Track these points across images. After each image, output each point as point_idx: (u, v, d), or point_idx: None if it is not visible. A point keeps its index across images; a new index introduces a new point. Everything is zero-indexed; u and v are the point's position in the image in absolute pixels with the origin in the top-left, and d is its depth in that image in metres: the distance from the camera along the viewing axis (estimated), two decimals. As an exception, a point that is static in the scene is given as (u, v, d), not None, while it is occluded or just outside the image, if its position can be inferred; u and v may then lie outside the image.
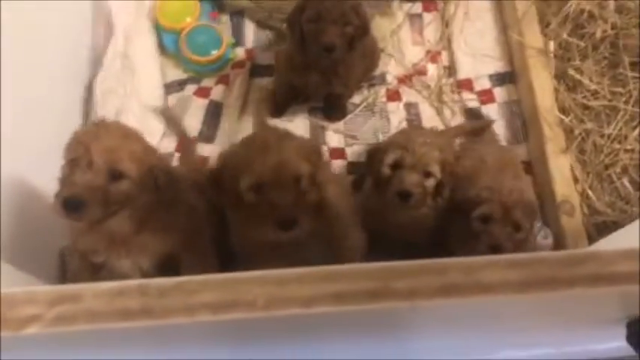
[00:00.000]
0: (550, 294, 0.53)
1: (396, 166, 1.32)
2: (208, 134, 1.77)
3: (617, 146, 1.73)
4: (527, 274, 0.54)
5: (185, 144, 1.70)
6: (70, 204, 1.04)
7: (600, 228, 1.65)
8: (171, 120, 1.74)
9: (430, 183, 1.33)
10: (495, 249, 1.29)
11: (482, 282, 0.54)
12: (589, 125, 1.73)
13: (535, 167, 1.75)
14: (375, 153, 1.39)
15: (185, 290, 0.53)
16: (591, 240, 1.58)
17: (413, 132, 1.38)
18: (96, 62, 1.76)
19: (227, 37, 1.86)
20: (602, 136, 1.73)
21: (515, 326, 0.86)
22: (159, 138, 1.76)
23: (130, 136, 1.12)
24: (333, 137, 1.80)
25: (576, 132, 1.74)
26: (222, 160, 1.18)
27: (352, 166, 1.75)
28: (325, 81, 1.62)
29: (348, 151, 1.79)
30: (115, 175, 1.07)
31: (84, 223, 1.13)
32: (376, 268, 0.55)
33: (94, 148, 1.05)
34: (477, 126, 1.80)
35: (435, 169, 1.32)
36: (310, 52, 1.51)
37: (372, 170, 1.38)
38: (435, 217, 1.44)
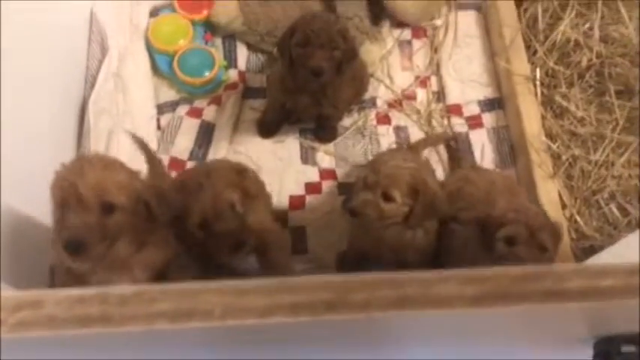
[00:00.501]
0: (504, 309, 0.54)
1: (365, 184, 1.33)
2: (200, 154, 1.78)
3: (605, 172, 1.74)
4: (481, 289, 0.55)
5: (153, 165, 1.70)
6: (72, 246, 1.04)
7: (588, 253, 1.66)
8: (140, 143, 1.73)
9: (391, 207, 1.32)
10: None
11: (437, 295, 0.54)
12: (576, 151, 1.75)
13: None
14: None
15: (144, 299, 0.54)
16: (579, 264, 1.59)
17: (395, 154, 1.39)
18: (90, 82, 1.78)
19: (220, 60, 1.89)
20: (589, 162, 1.75)
21: (480, 342, 0.86)
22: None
23: (112, 166, 1.12)
24: (324, 158, 1.82)
25: (564, 158, 1.75)
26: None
27: (343, 187, 1.77)
28: (315, 103, 1.65)
29: (339, 172, 1.81)
30: (107, 208, 1.07)
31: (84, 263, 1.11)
32: (334, 280, 0.56)
33: (81, 185, 1.05)
34: (439, 138, 1.83)
35: (396, 194, 1.31)
36: (299, 76, 1.54)
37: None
38: (428, 240, 1.44)
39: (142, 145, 1.67)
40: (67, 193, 1.05)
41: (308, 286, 0.54)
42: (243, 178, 1.38)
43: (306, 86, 1.59)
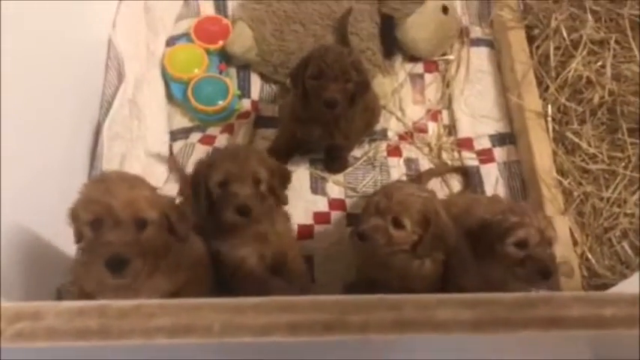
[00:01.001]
0: (502, 335, 0.53)
1: (375, 210, 1.33)
2: (210, 181, 1.79)
3: (617, 210, 1.72)
4: (480, 314, 0.54)
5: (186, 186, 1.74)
6: (115, 264, 1.05)
7: (600, 291, 1.63)
8: (175, 167, 1.78)
9: (400, 234, 1.32)
10: (545, 274, 1.26)
11: (435, 319, 0.54)
12: (588, 188, 1.74)
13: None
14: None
15: (143, 313, 0.54)
16: (590, 303, 1.56)
17: (408, 185, 1.40)
18: (105, 108, 1.81)
19: (233, 89, 1.92)
20: (601, 199, 1.73)
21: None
22: (162, 183, 1.80)
23: (138, 183, 1.15)
24: (334, 189, 1.83)
25: (575, 194, 1.74)
26: (197, 165, 1.37)
27: (351, 218, 1.76)
28: (327, 133, 1.67)
29: (348, 202, 1.81)
30: (140, 225, 1.10)
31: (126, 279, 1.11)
32: (332, 301, 0.55)
33: (115, 204, 1.06)
34: (445, 170, 1.84)
35: (407, 222, 1.31)
36: (313, 107, 1.56)
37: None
38: (435, 270, 1.44)
39: (177, 167, 1.75)
40: (100, 212, 1.07)
41: (306, 306, 0.54)
42: (281, 177, 1.40)
43: (319, 117, 1.60)
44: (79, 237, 1.13)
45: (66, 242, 1.60)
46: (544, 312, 0.54)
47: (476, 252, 1.34)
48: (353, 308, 0.55)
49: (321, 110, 1.53)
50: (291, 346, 0.53)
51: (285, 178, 1.43)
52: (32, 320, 0.54)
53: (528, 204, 1.72)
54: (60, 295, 1.54)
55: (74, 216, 1.12)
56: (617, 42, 1.89)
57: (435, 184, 1.82)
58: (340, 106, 1.52)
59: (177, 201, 1.71)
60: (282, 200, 1.41)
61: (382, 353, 0.62)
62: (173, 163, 1.80)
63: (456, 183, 1.85)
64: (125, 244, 1.05)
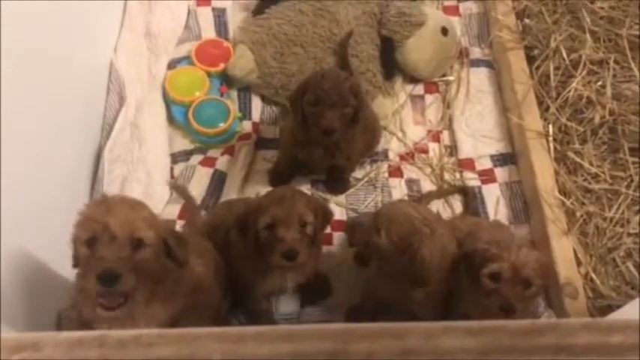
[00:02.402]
0: (509, 363, 0.53)
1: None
2: (210, 202, 1.79)
3: (620, 230, 1.71)
4: (486, 342, 0.53)
5: (191, 212, 1.75)
6: (106, 278, 1.05)
7: (605, 312, 1.61)
8: (181, 191, 1.79)
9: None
10: (506, 310, 1.26)
11: (441, 348, 0.53)
12: (590, 208, 1.73)
13: (537, 248, 1.74)
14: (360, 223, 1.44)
15: (143, 343, 0.53)
16: (595, 324, 1.54)
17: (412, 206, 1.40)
18: (106, 131, 1.82)
19: (234, 111, 1.93)
20: (604, 219, 1.72)
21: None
22: (163, 205, 1.80)
23: (137, 205, 1.15)
24: (335, 210, 1.82)
25: (578, 214, 1.73)
26: (247, 207, 1.39)
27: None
28: (328, 154, 1.67)
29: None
30: (136, 245, 1.10)
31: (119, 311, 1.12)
32: (335, 329, 0.55)
33: (112, 222, 1.07)
34: (447, 191, 1.84)
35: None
36: (312, 133, 1.57)
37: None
38: (443, 294, 1.44)
39: (182, 191, 1.76)
40: (97, 230, 1.07)
41: (309, 335, 0.53)
42: (324, 217, 1.42)
43: (318, 141, 1.60)
44: (76, 259, 1.13)
45: (67, 267, 1.60)
46: (550, 339, 0.53)
47: (467, 277, 1.34)
48: (357, 337, 0.54)
49: (320, 137, 1.54)
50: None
51: (327, 219, 1.45)
52: (32, 351, 0.53)
53: (525, 238, 1.72)
54: (60, 321, 1.52)
55: (73, 237, 1.12)
56: (616, 62, 1.90)
57: (437, 205, 1.82)
58: (338, 134, 1.53)
59: (178, 225, 1.72)
60: (318, 240, 1.44)
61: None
62: (176, 186, 1.80)
63: (458, 204, 1.84)
64: (119, 260, 1.06)
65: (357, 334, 0.54)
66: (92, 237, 1.08)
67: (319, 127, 1.51)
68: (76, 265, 1.14)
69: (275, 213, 1.31)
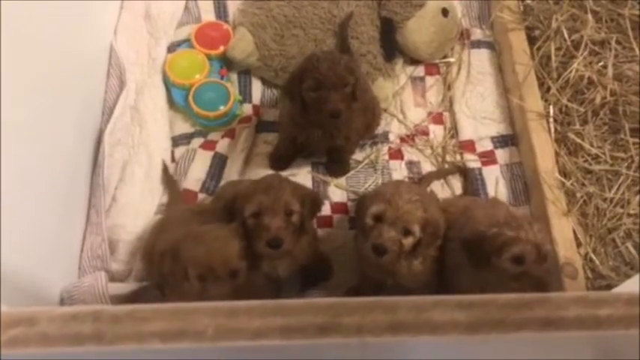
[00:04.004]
0: (498, 336, 0.53)
1: (378, 219, 1.33)
2: (211, 185, 1.80)
3: (620, 210, 1.71)
4: (476, 316, 0.54)
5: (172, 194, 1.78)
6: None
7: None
8: (169, 182, 1.80)
9: (408, 241, 1.33)
10: (542, 289, 1.26)
11: (431, 321, 0.54)
12: (591, 189, 1.73)
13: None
14: (362, 201, 1.41)
15: (137, 318, 0.54)
16: (594, 304, 1.55)
17: (401, 186, 1.39)
18: (107, 115, 1.82)
19: (235, 94, 1.93)
20: (604, 200, 1.72)
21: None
22: (164, 188, 1.80)
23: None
24: (336, 192, 1.82)
25: (578, 195, 1.73)
26: (235, 194, 1.40)
27: (354, 221, 1.76)
28: (327, 135, 1.67)
29: (350, 205, 1.80)
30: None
31: None
32: (326, 304, 0.55)
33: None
34: (446, 172, 1.84)
35: (415, 229, 1.32)
36: (315, 117, 1.56)
37: (358, 219, 1.39)
38: (431, 270, 1.44)
39: (167, 174, 1.77)
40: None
41: (300, 309, 0.54)
42: (312, 204, 1.42)
43: (318, 122, 1.60)
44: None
45: (69, 246, 1.62)
46: (540, 313, 0.53)
47: (472, 261, 1.34)
48: (347, 310, 0.54)
49: (325, 121, 1.55)
50: (286, 349, 0.53)
51: (315, 206, 1.45)
52: (27, 326, 0.54)
53: (525, 213, 1.72)
54: (62, 303, 1.54)
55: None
56: (618, 42, 1.88)
57: (436, 187, 1.82)
58: (345, 114, 1.53)
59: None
60: (307, 230, 1.44)
61: (377, 356, 0.61)
62: (167, 177, 1.80)
63: (458, 185, 1.84)
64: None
65: (347, 307, 0.55)
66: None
67: (325, 111, 1.51)
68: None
69: (261, 201, 1.32)
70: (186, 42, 2.02)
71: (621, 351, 0.62)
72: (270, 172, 1.81)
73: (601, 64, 1.86)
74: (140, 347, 0.53)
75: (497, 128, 1.93)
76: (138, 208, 1.74)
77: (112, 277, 1.63)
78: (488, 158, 1.88)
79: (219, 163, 1.83)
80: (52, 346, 0.53)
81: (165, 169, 1.80)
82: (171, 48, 2.03)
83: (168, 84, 1.94)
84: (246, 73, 2.01)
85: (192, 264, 1.24)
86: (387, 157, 1.88)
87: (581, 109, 1.82)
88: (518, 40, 1.96)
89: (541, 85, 1.89)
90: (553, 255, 1.62)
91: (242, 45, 1.94)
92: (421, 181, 1.79)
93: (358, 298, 0.56)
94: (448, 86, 2.01)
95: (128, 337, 0.54)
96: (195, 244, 1.26)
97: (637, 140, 1.76)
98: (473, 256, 1.33)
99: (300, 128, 1.67)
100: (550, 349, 0.63)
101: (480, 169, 1.86)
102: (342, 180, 1.84)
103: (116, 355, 0.54)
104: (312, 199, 1.43)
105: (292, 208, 1.34)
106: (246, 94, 1.98)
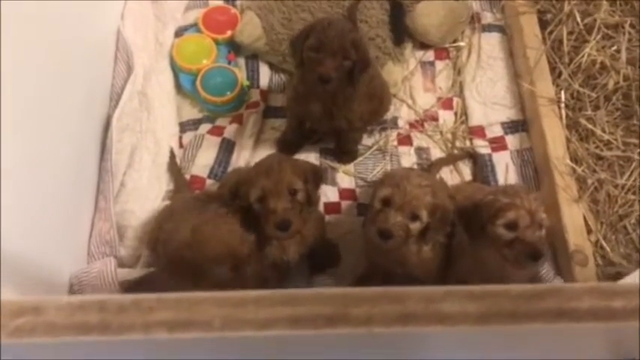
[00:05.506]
0: (510, 327, 0.52)
1: (386, 203, 1.31)
2: (219, 171, 1.79)
3: (632, 197, 1.69)
4: (487, 306, 0.53)
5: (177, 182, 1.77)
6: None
7: (615, 280, 1.60)
8: (174, 171, 1.79)
9: (416, 226, 1.32)
10: (535, 256, 1.25)
11: (441, 312, 0.53)
12: (602, 175, 1.71)
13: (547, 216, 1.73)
14: (374, 185, 1.41)
15: (143, 307, 0.54)
16: (604, 291, 1.54)
17: (411, 172, 1.38)
18: (114, 100, 1.81)
19: (242, 79, 1.91)
20: (615, 186, 1.70)
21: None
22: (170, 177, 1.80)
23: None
24: (344, 178, 1.81)
25: (589, 182, 1.71)
26: (236, 181, 1.40)
27: (362, 208, 1.75)
28: (326, 111, 1.64)
29: (359, 192, 1.80)
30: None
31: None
32: (335, 294, 0.54)
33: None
34: (455, 157, 1.83)
35: (423, 214, 1.31)
36: (308, 78, 1.54)
37: (370, 206, 1.39)
38: (440, 258, 1.44)
39: (173, 162, 1.76)
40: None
41: (308, 299, 0.53)
42: (314, 178, 1.42)
43: (315, 92, 1.58)
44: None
45: (76, 236, 1.63)
46: (552, 304, 0.53)
47: (469, 233, 1.33)
48: (356, 301, 0.54)
49: (315, 84, 1.51)
50: (294, 340, 0.52)
51: (318, 178, 1.45)
52: (33, 315, 0.53)
53: (521, 185, 1.72)
54: (72, 288, 1.55)
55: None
56: (632, 25, 1.84)
57: (445, 173, 1.81)
58: (334, 83, 1.49)
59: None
60: (314, 202, 1.44)
61: (387, 347, 0.61)
62: (173, 165, 1.79)
63: (467, 171, 1.83)
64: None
65: (356, 298, 0.54)
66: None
67: (316, 72, 1.48)
68: None
69: (264, 185, 1.31)
70: (194, 26, 2.01)
71: (634, 344, 0.61)
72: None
73: (614, 48, 1.83)
74: (146, 337, 0.52)
75: (508, 114, 1.91)
76: (146, 193, 1.73)
77: (121, 263, 1.63)
78: (498, 144, 1.86)
79: (227, 149, 1.82)
80: (58, 336, 0.52)
81: (172, 156, 1.79)
82: (179, 32, 2.02)
83: (175, 69, 1.93)
84: (253, 57, 1.99)
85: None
86: (395, 142, 1.86)
87: (593, 95, 1.80)
88: (529, 24, 1.93)
89: (552, 69, 1.86)
90: (563, 242, 1.61)
91: (250, 29, 1.92)
92: (430, 167, 1.77)
93: (367, 288, 0.55)
94: (458, 71, 1.99)
95: (134, 326, 0.53)
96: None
97: (650, 126, 1.73)
98: (468, 226, 1.33)
99: (300, 102, 1.65)
100: (562, 343, 0.63)
101: (490, 155, 1.84)
102: (350, 166, 1.83)
103: (122, 345, 0.54)
104: (314, 172, 1.43)
105: (295, 188, 1.34)
106: (253, 79, 1.96)
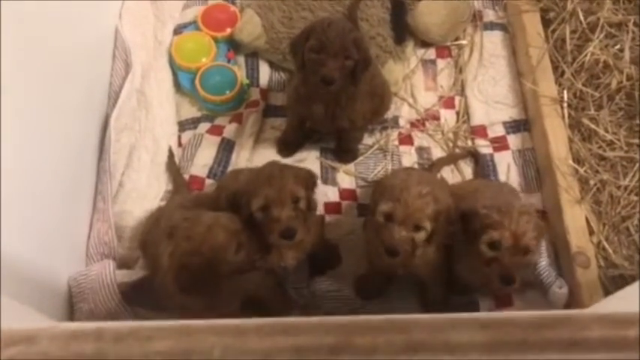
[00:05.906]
0: (520, 357, 0.51)
1: (388, 217, 1.30)
2: (218, 171, 1.77)
3: (635, 198, 1.68)
4: (496, 336, 0.51)
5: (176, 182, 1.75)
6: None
7: (617, 281, 1.60)
8: (173, 171, 1.77)
9: (420, 236, 1.30)
10: (506, 281, 1.25)
11: (448, 342, 0.51)
12: (605, 176, 1.69)
13: (549, 217, 1.72)
14: (374, 191, 1.40)
15: (141, 336, 0.52)
16: (607, 293, 1.53)
17: (410, 178, 1.36)
18: (113, 99, 1.79)
19: (242, 78, 1.89)
20: (618, 187, 1.69)
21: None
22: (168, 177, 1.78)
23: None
24: (345, 178, 1.80)
25: (591, 182, 1.70)
26: (235, 189, 1.37)
27: (362, 208, 1.74)
28: (328, 112, 1.62)
29: (359, 192, 1.78)
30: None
31: None
32: (338, 322, 0.53)
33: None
34: (457, 157, 1.81)
35: (426, 224, 1.29)
36: (310, 80, 1.52)
37: (372, 211, 1.38)
38: (441, 258, 1.43)
39: (172, 162, 1.73)
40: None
41: (311, 328, 0.52)
42: (312, 187, 1.41)
43: (318, 93, 1.56)
44: None
45: (74, 237, 1.61)
46: (562, 333, 0.51)
47: (465, 236, 1.33)
48: (360, 330, 0.52)
49: (318, 86, 1.50)
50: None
51: (313, 183, 1.42)
52: (27, 345, 0.52)
53: (531, 204, 1.69)
54: (70, 289, 1.54)
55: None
56: (635, 24, 1.82)
57: (446, 172, 1.79)
58: (337, 84, 1.48)
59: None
60: (313, 207, 1.42)
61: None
62: (171, 166, 1.77)
63: (468, 170, 1.82)
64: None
65: (360, 327, 0.53)
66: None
67: (318, 74, 1.47)
68: None
69: (267, 194, 1.29)
70: (193, 24, 1.98)
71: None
72: (278, 158, 1.79)
73: (617, 47, 1.81)
74: (144, 367, 0.51)
75: (510, 113, 1.89)
76: (145, 193, 1.72)
77: (119, 263, 1.62)
78: (500, 144, 1.84)
79: (226, 149, 1.80)
80: (53, 366, 0.51)
81: (170, 155, 1.77)
82: (177, 30, 2.00)
83: (174, 67, 1.91)
84: (253, 56, 1.97)
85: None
86: (396, 142, 1.85)
87: (596, 94, 1.78)
88: (532, 22, 1.91)
89: (555, 68, 1.84)
90: (565, 243, 1.60)
91: (249, 27, 1.90)
92: (431, 167, 1.75)
93: (371, 317, 0.54)
94: (460, 69, 1.97)
95: (131, 356, 0.52)
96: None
97: (653, 126, 1.72)
98: (465, 230, 1.32)
99: (302, 103, 1.63)
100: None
101: (491, 155, 1.82)
102: (350, 166, 1.81)
103: (120, 375, 0.53)
104: (310, 178, 1.41)
105: (298, 195, 1.32)
106: (253, 78, 1.94)
